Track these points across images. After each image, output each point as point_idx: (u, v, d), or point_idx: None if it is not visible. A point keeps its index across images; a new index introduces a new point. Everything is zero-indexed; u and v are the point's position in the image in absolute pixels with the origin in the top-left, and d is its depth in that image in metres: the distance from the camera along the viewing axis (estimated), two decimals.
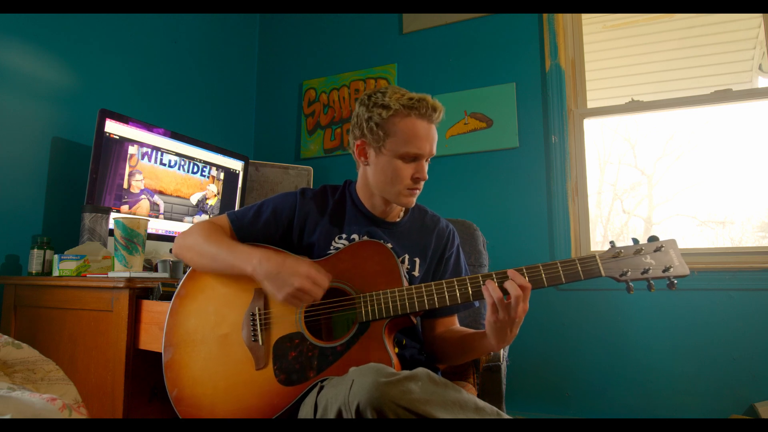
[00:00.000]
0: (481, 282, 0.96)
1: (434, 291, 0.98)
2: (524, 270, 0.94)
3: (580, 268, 0.93)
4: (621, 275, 0.92)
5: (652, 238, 0.94)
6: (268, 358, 1.00)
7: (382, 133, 1.07)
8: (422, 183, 1.11)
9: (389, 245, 1.09)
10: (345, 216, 1.18)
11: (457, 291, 0.97)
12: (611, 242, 0.96)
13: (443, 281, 0.99)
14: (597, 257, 0.93)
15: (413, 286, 1.00)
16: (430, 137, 1.08)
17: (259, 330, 1.03)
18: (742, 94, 2.03)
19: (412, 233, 1.19)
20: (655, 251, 0.93)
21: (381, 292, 1.00)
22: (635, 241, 0.95)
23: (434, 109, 1.07)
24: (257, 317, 1.04)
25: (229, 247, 1.06)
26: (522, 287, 0.90)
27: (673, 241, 0.93)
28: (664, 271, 0.91)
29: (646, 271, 0.92)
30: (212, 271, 1.09)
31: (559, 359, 2.09)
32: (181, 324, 1.08)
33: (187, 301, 1.10)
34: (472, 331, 1.10)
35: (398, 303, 0.98)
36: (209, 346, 1.04)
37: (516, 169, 2.26)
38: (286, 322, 1.03)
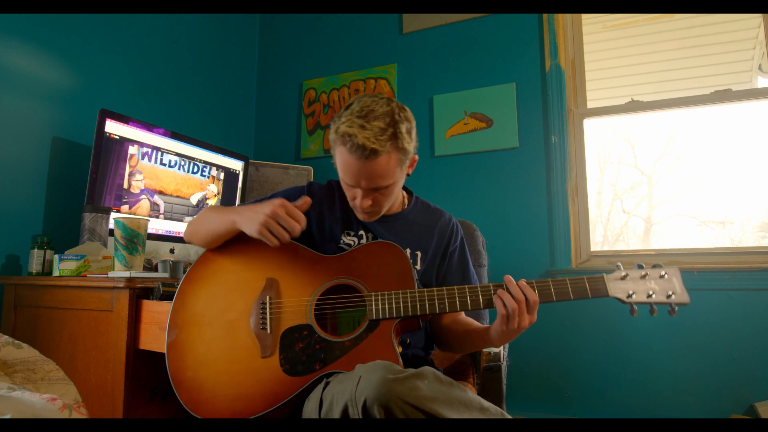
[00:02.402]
0: (492, 292, 0.99)
1: (446, 296, 1.00)
2: (534, 284, 0.98)
3: (588, 286, 0.97)
4: (627, 297, 0.96)
5: (657, 265, 0.98)
6: (275, 347, 1.00)
7: (332, 152, 1.09)
8: (374, 207, 1.09)
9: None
10: (350, 211, 1.19)
11: (468, 299, 1.00)
12: (617, 265, 1.00)
13: (455, 288, 1.01)
14: (604, 278, 0.97)
15: (425, 290, 1.01)
16: (362, 173, 1.02)
17: (268, 319, 1.03)
18: (742, 94, 2.03)
19: (413, 227, 1.20)
20: (659, 277, 0.97)
21: (393, 292, 1.01)
22: (640, 266, 0.99)
23: (363, 148, 0.98)
24: (267, 306, 1.04)
25: (221, 210, 1.12)
26: (533, 302, 0.95)
27: (676, 269, 0.97)
28: (667, 297, 0.95)
29: (650, 296, 0.96)
30: (211, 238, 1.12)
31: (560, 359, 2.09)
32: (188, 306, 1.07)
33: (196, 285, 1.10)
34: (475, 327, 1.13)
35: (409, 304, 1.00)
36: (215, 330, 1.04)
37: (516, 169, 2.26)
38: (296, 313, 1.03)
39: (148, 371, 1.27)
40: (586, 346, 2.06)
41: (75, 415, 0.82)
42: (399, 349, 1.00)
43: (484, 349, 1.34)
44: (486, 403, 0.83)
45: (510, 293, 0.96)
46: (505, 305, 0.96)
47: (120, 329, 1.25)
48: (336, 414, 0.82)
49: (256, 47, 2.92)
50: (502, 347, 1.33)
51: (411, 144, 1.06)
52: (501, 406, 1.15)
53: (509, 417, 0.84)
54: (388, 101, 1.05)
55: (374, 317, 1.00)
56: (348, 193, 1.11)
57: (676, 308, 0.94)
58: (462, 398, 0.81)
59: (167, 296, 1.21)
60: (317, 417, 0.87)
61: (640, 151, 3.17)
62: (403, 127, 1.03)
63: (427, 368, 0.82)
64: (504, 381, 1.27)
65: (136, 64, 2.11)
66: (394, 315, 0.99)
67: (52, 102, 1.75)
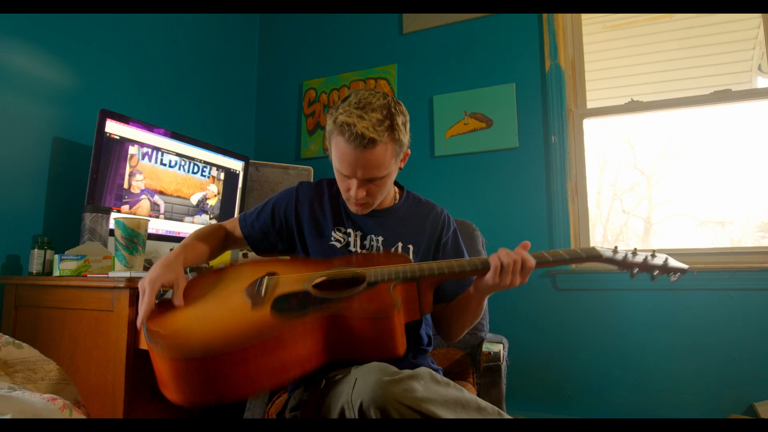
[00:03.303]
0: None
1: (444, 264, 1.04)
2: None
3: (580, 250, 1.06)
4: (624, 258, 1.03)
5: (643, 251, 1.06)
6: (267, 303, 0.97)
7: (328, 143, 1.11)
8: (367, 199, 1.11)
9: (380, 238, 1.15)
10: (340, 208, 1.21)
11: (466, 262, 1.04)
12: (614, 247, 1.07)
13: (452, 259, 1.06)
14: (596, 246, 1.07)
15: (423, 262, 1.05)
16: (359, 162, 1.04)
17: (264, 287, 1.03)
18: (742, 95, 2.03)
19: (405, 221, 1.21)
20: (651, 256, 1.05)
21: (392, 265, 1.04)
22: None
23: (362, 137, 1.00)
24: (264, 280, 1.05)
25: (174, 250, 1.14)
26: (529, 266, 0.99)
27: (664, 254, 1.05)
28: (664, 261, 1.02)
29: (646, 260, 1.02)
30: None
31: (559, 359, 2.09)
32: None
33: (196, 280, 1.11)
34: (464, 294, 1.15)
35: (408, 271, 1.02)
36: (208, 301, 1.01)
37: (516, 170, 2.26)
38: (293, 285, 1.03)
39: (148, 371, 1.26)
40: (586, 346, 2.06)
41: (75, 415, 0.82)
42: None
43: (484, 349, 1.34)
44: (483, 403, 0.84)
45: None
46: (501, 260, 0.98)
47: (120, 329, 1.25)
48: (333, 417, 0.82)
49: (256, 47, 2.92)
50: (501, 347, 1.33)
51: (406, 137, 1.09)
52: (501, 406, 1.15)
53: (507, 416, 0.84)
54: (384, 95, 1.08)
55: (373, 280, 1.00)
56: (342, 185, 1.12)
57: (677, 274, 0.99)
58: (458, 398, 0.81)
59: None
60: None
61: (639, 151, 3.18)
62: (400, 120, 1.06)
63: (423, 369, 0.83)
64: (504, 381, 1.27)
65: (136, 64, 2.11)
66: (392, 278, 1.00)
67: (53, 102, 1.75)
